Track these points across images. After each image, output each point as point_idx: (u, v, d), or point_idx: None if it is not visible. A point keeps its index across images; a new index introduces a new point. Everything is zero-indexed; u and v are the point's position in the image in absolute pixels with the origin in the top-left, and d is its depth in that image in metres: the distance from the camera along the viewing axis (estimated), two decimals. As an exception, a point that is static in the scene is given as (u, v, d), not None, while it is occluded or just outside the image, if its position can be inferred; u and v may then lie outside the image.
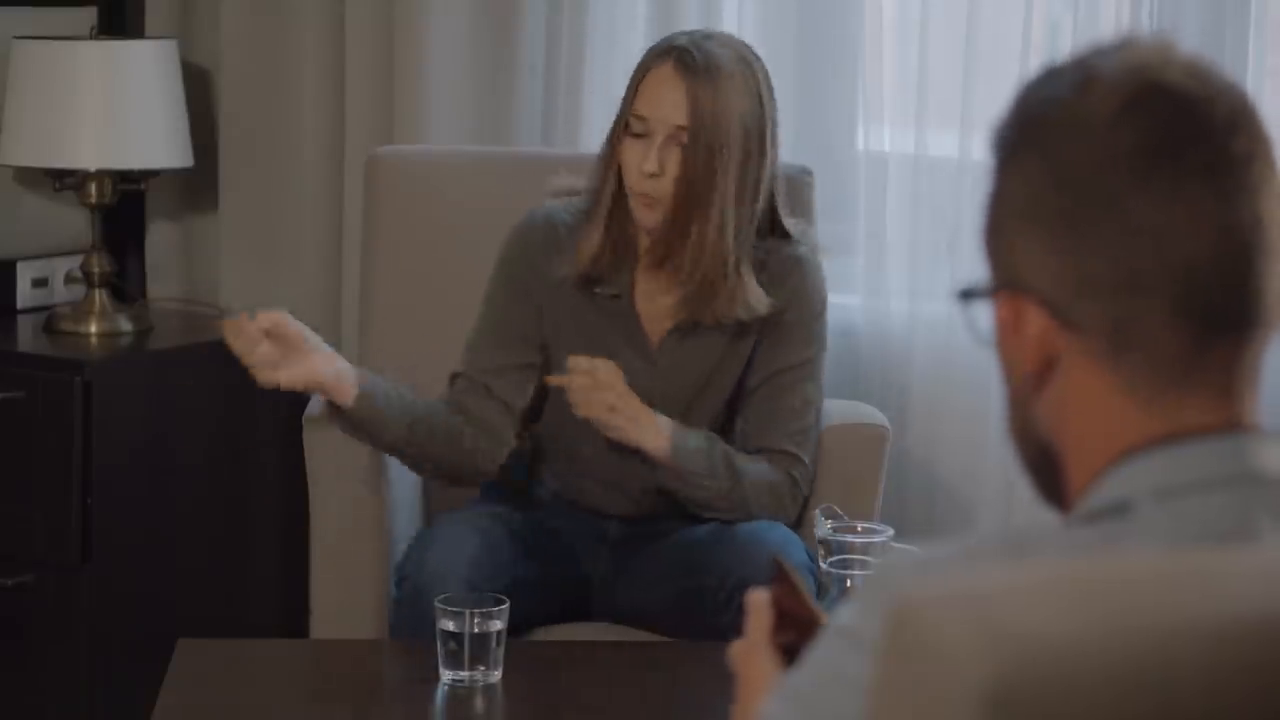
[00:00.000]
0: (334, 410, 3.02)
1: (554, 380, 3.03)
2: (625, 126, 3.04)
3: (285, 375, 2.94)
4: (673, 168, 3.00)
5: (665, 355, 3.12)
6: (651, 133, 3.01)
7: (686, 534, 3.10)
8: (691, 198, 2.99)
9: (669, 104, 3.00)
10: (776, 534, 3.04)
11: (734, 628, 2.87)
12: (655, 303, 3.12)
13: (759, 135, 3.03)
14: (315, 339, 2.97)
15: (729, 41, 3.07)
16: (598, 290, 3.11)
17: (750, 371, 3.15)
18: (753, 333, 3.12)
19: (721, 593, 2.94)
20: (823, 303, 3.17)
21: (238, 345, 2.94)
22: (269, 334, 2.93)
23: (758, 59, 3.07)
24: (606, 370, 2.99)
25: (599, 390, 2.99)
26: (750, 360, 3.15)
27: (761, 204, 3.07)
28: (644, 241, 3.09)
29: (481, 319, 3.16)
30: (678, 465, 3.04)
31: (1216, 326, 1.31)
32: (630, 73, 3.08)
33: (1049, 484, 1.39)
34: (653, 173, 3.00)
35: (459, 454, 3.10)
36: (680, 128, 2.99)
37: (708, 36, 3.07)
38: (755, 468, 3.09)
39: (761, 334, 3.14)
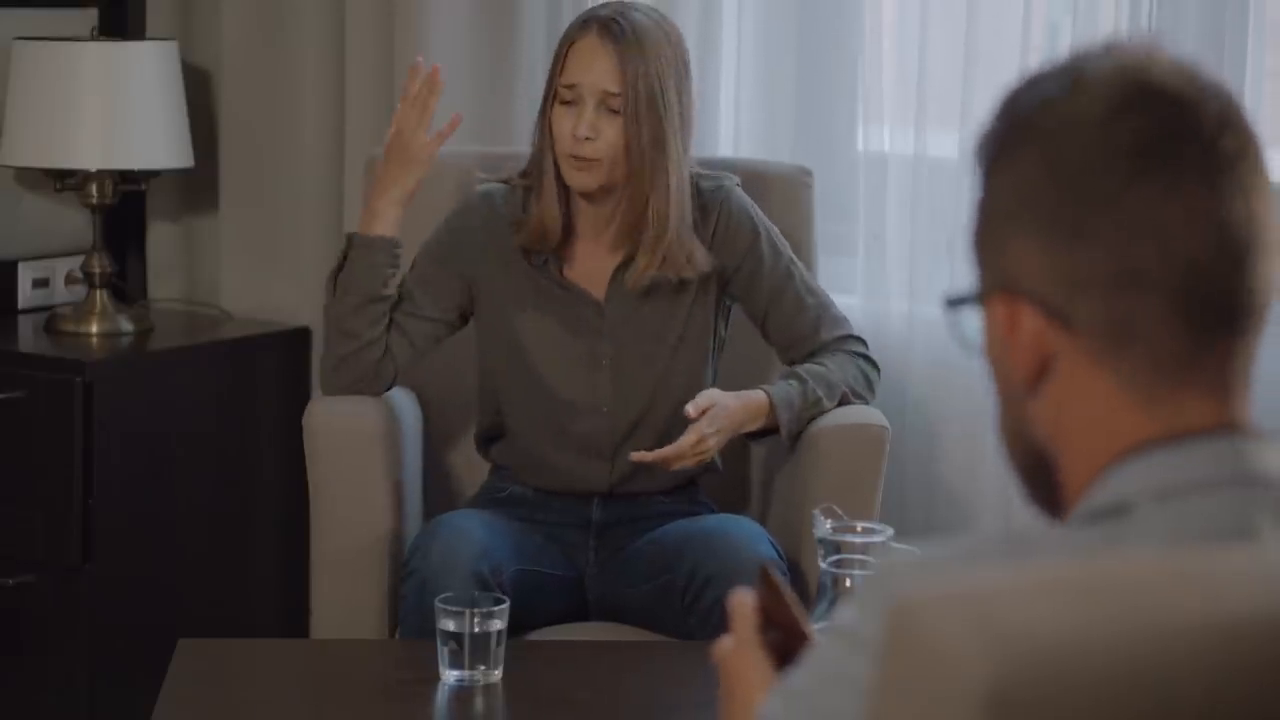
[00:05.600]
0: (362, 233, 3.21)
1: (640, 457, 3.09)
2: (554, 97, 3.13)
3: (422, 147, 3.17)
4: (610, 134, 3.10)
5: (611, 309, 3.20)
6: (581, 99, 3.10)
7: (659, 532, 3.16)
8: (645, 168, 3.10)
9: (597, 70, 3.10)
10: (744, 530, 3.10)
11: (703, 625, 2.94)
12: (589, 263, 3.22)
13: (687, 95, 3.15)
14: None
15: (648, 11, 3.18)
16: (533, 261, 3.20)
17: (750, 310, 3.26)
18: (696, 279, 3.19)
19: (689, 592, 3.00)
20: (758, 216, 3.26)
21: (413, 90, 3.17)
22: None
23: (673, 22, 3.20)
24: (698, 426, 3.06)
25: (701, 442, 3.08)
26: (721, 317, 3.26)
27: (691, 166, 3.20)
28: (585, 213, 3.18)
29: (410, 272, 3.27)
30: (789, 421, 3.15)
31: (1213, 324, 1.32)
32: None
33: (1041, 489, 1.39)
34: (586, 136, 3.09)
35: (366, 352, 3.20)
36: (611, 94, 3.09)
37: (626, 5, 3.18)
38: (835, 365, 3.22)
39: (724, 280, 3.24)
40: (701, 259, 3.17)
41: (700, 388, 3.17)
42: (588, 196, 3.16)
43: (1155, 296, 1.30)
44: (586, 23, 3.14)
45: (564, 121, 3.12)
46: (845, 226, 3.72)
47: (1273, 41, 3.41)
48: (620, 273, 3.20)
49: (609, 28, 3.10)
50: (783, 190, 3.49)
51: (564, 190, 3.16)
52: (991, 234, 1.36)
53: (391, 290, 3.21)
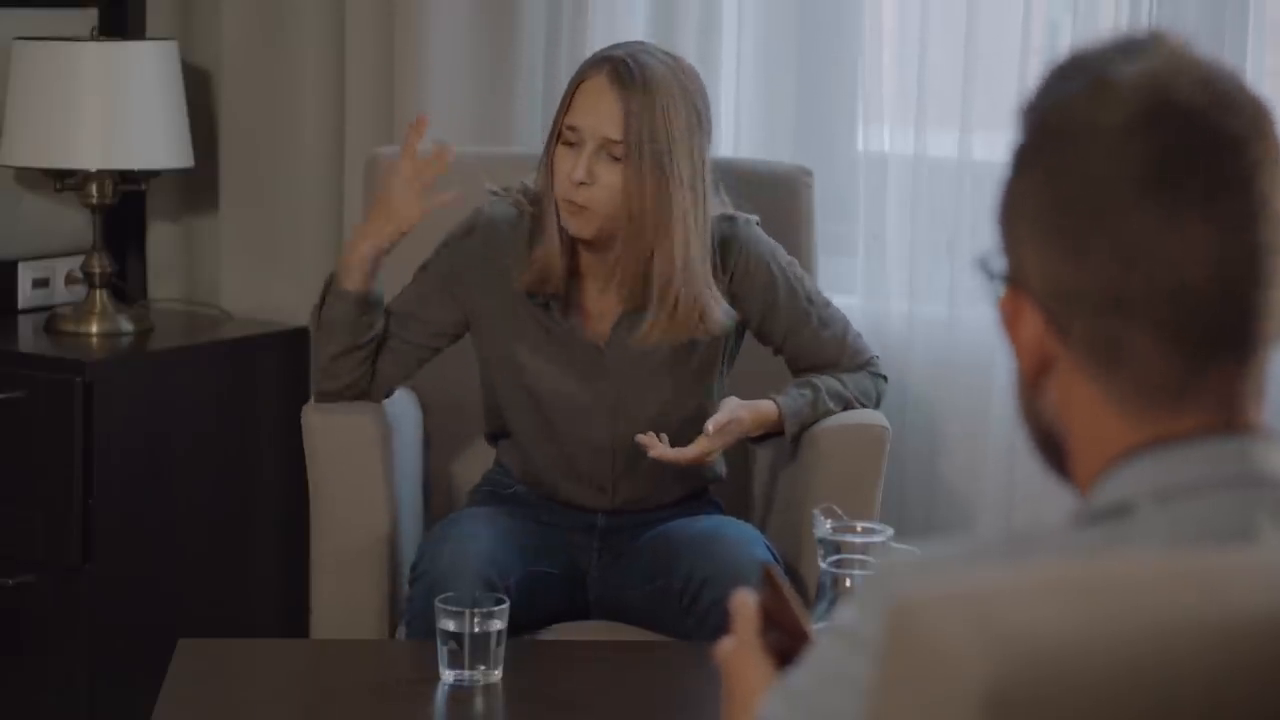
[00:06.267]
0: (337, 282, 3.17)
1: (646, 441, 3.09)
2: (558, 137, 3.07)
3: (409, 212, 3.11)
4: (608, 180, 3.02)
5: (613, 351, 3.16)
6: (582, 142, 3.03)
7: (659, 533, 3.15)
8: (647, 220, 3.02)
9: (601, 115, 3.02)
10: (739, 532, 3.10)
11: (700, 626, 2.94)
12: (592, 304, 3.16)
13: (701, 146, 3.05)
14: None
15: (662, 54, 3.09)
16: (534, 298, 3.14)
17: (764, 343, 3.24)
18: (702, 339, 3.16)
19: (687, 594, 3.01)
20: (772, 252, 3.21)
21: (414, 143, 3.11)
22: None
23: (692, 69, 3.11)
24: (710, 442, 3.08)
25: (709, 458, 3.11)
26: (726, 345, 3.21)
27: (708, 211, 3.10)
28: (588, 258, 3.13)
29: (405, 293, 3.23)
30: (797, 427, 3.16)
31: (1211, 351, 1.30)
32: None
33: (1055, 460, 1.39)
34: (581, 181, 3.02)
35: (350, 390, 3.20)
36: (612, 140, 3.02)
37: (643, 49, 3.09)
38: (852, 381, 3.24)
39: (736, 323, 3.19)
40: (716, 319, 3.09)
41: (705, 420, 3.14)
42: (586, 243, 3.11)
43: (1142, 324, 1.29)
44: (599, 63, 3.06)
45: (564, 163, 3.05)
46: (845, 226, 3.72)
47: (1273, 41, 3.41)
48: (626, 319, 3.14)
49: (619, 71, 3.02)
50: (783, 190, 3.49)
51: (566, 233, 3.09)
52: (1008, 226, 1.36)
53: (376, 331, 3.17)
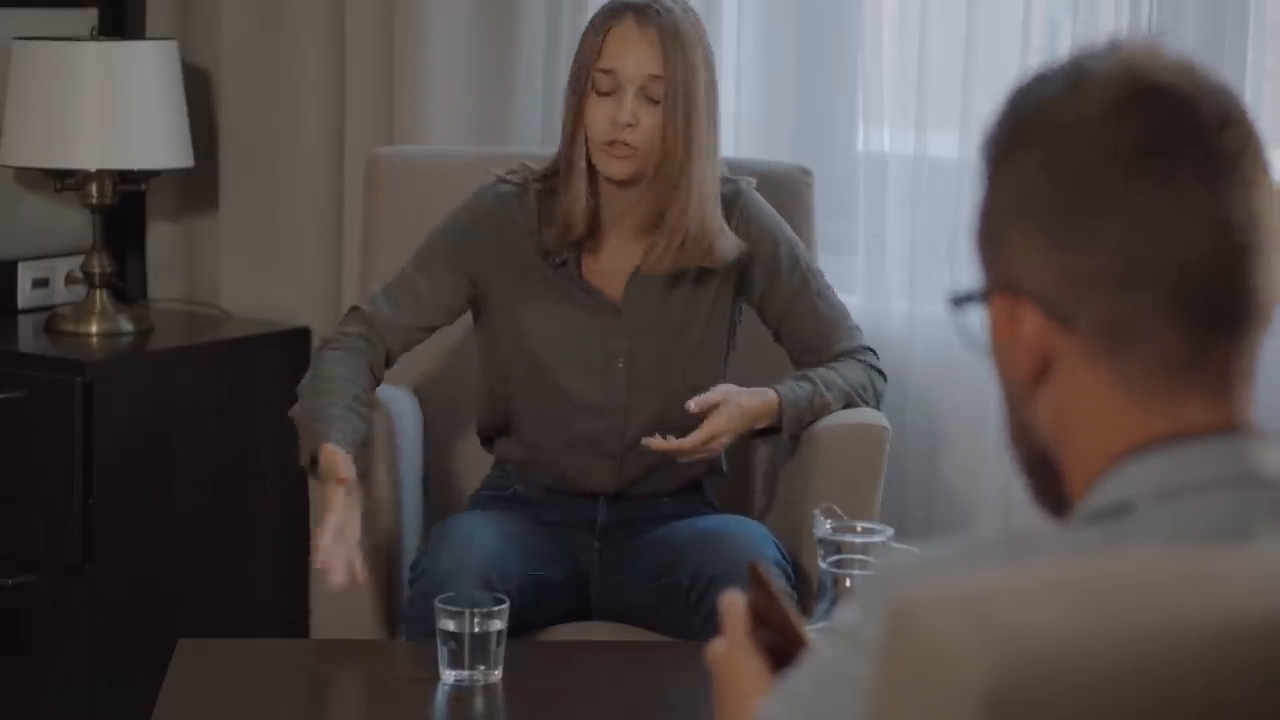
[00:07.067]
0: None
1: (652, 443, 3.08)
2: (590, 86, 3.09)
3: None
4: (648, 122, 3.07)
5: (629, 308, 3.18)
6: (621, 86, 3.08)
7: (663, 531, 3.16)
8: (676, 158, 3.08)
9: (640, 56, 3.08)
10: (748, 531, 3.11)
11: (707, 626, 2.92)
12: (607, 261, 3.19)
13: (714, 84, 3.13)
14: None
15: (675, 1, 3.15)
16: (552, 261, 3.16)
17: (764, 316, 3.26)
18: (715, 279, 3.19)
19: (694, 592, 3.01)
20: (775, 220, 3.26)
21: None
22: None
23: (694, 10, 3.17)
24: (713, 423, 3.08)
25: (713, 440, 3.10)
26: (733, 311, 3.24)
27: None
28: (612, 203, 3.15)
29: (405, 273, 3.20)
30: (792, 422, 3.16)
31: (1212, 325, 1.32)
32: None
33: (1046, 488, 1.39)
34: (628, 123, 3.06)
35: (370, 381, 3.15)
36: (654, 77, 3.07)
37: None
38: (847, 370, 3.24)
39: (740, 282, 3.22)
40: (725, 248, 3.14)
41: (700, 376, 3.17)
42: (618, 184, 3.13)
43: (1153, 298, 1.30)
44: (620, 10, 3.10)
45: (601, 110, 3.08)
46: (845, 226, 3.73)
47: (1273, 42, 3.41)
48: (638, 277, 3.17)
49: (646, 14, 3.08)
50: (783, 190, 3.49)
51: (591, 183, 3.13)
52: (994, 232, 1.36)
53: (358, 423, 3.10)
